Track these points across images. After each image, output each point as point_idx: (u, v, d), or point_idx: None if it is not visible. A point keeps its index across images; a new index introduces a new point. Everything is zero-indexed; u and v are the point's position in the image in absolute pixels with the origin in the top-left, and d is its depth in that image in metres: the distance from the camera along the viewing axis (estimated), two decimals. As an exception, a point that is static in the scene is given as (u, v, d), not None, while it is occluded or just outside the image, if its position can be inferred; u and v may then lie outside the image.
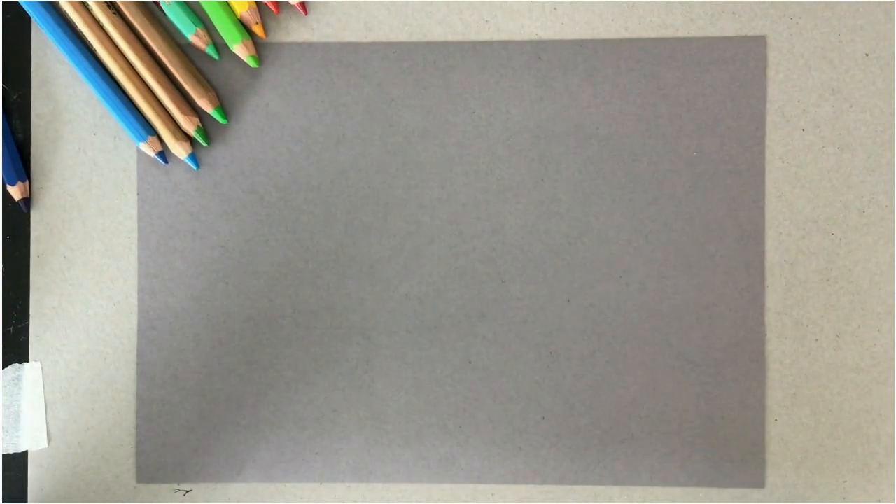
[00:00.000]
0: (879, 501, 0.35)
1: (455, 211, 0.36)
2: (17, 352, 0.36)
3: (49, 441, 0.36)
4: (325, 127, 0.36)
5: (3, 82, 0.36)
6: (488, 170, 0.36)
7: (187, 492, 0.36)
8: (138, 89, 0.35)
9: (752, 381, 0.35)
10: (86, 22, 0.35)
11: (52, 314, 0.36)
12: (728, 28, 0.35)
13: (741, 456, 0.35)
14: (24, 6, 0.35)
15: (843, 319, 0.35)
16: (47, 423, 0.36)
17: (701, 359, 0.35)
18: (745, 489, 0.35)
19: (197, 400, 0.36)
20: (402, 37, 0.36)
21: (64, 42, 0.35)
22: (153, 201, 0.36)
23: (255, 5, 0.35)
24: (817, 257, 0.35)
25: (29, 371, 0.36)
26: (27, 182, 0.36)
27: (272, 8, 0.35)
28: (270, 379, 0.36)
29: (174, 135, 0.35)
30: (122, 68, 0.35)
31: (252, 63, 0.35)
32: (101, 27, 0.35)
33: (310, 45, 0.36)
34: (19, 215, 0.36)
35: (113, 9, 0.35)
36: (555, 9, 0.35)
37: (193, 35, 0.35)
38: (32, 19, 0.36)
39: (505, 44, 0.35)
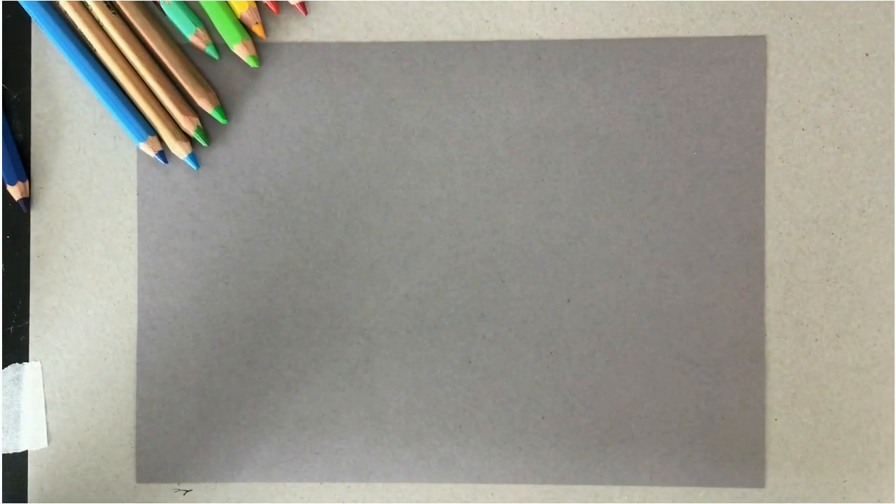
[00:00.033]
0: (879, 501, 0.35)
1: (455, 211, 0.36)
2: (17, 352, 0.36)
3: (49, 441, 0.36)
4: (325, 127, 0.36)
5: (3, 82, 0.36)
6: (488, 170, 0.36)
7: (187, 491, 0.36)
8: (138, 89, 0.35)
9: (752, 381, 0.35)
10: (86, 22, 0.35)
11: (52, 314, 0.36)
12: (728, 28, 0.35)
13: (741, 456, 0.35)
14: (24, 6, 0.35)
15: (843, 319, 0.35)
16: (47, 423, 0.36)
17: (701, 359, 0.35)
18: (745, 489, 0.35)
19: (197, 400, 0.36)
20: (402, 37, 0.36)
21: (64, 42, 0.35)
22: (153, 201, 0.36)
23: (255, 5, 0.35)
24: (817, 257, 0.35)
25: (29, 371, 0.36)
26: (27, 182, 0.36)
27: (272, 8, 0.35)
28: (270, 379, 0.36)
29: (174, 135, 0.35)
30: (122, 68, 0.35)
31: (252, 63, 0.35)
32: (101, 27, 0.35)
33: (310, 45, 0.36)
34: (19, 215, 0.36)
35: (113, 9, 0.35)
36: (555, 9, 0.35)
37: (193, 35, 0.35)
38: (32, 19, 0.36)
39: (505, 44, 0.35)
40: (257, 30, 0.35)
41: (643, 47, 0.35)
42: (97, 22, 0.35)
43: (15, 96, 0.36)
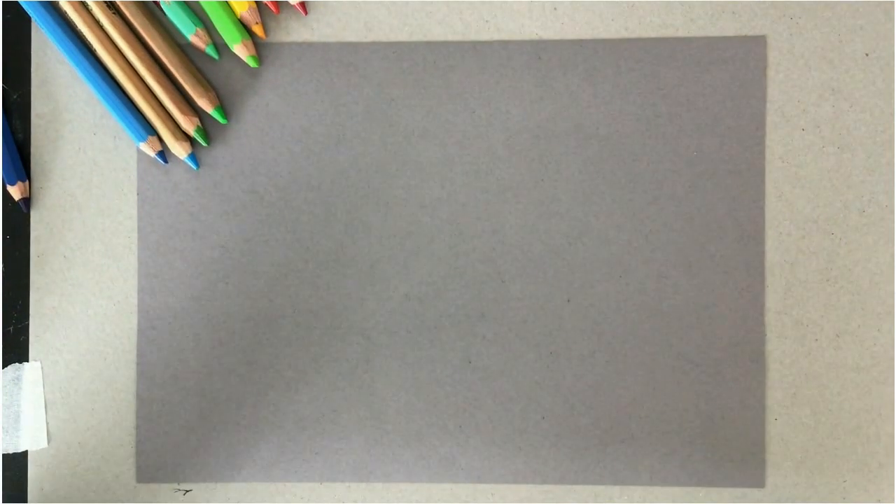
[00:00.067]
0: (879, 501, 0.35)
1: (455, 211, 0.36)
2: (17, 352, 0.36)
3: (49, 441, 0.36)
4: (325, 127, 0.36)
5: (3, 82, 0.36)
6: (488, 170, 0.36)
7: (187, 491, 0.36)
8: (138, 89, 0.35)
9: (752, 381, 0.35)
10: (86, 22, 0.35)
11: (52, 314, 0.36)
12: (728, 28, 0.35)
13: (741, 456, 0.35)
14: (24, 6, 0.35)
15: (843, 319, 0.35)
16: (47, 423, 0.36)
17: (701, 359, 0.35)
18: (745, 489, 0.35)
19: (197, 400, 0.36)
20: (402, 37, 0.36)
21: (64, 42, 0.35)
22: (153, 201, 0.36)
23: (255, 5, 0.35)
24: (817, 257, 0.35)
25: (29, 371, 0.36)
26: (27, 182, 0.36)
27: (272, 8, 0.35)
28: (270, 379, 0.36)
29: (174, 135, 0.35)
30: (122, 68, 0.35)
31: (252, 63, 0.35)
32: (101, 27, 0.35)
33: (310, 45, 0.36)
34: (19, 215, 0.36)
35: (113, 9, 0.35)
36: (555, 9, 0.35)
37: (193, 35, 0.35)
38: (32, 19, 0.36)
39: (505, 44, 0.35)
40: (257, 30, 0.35)
41: (643, 47, 0.35)
42: (97, 22, 0.35)
43: (15, 96, 0.36)
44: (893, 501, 0.35)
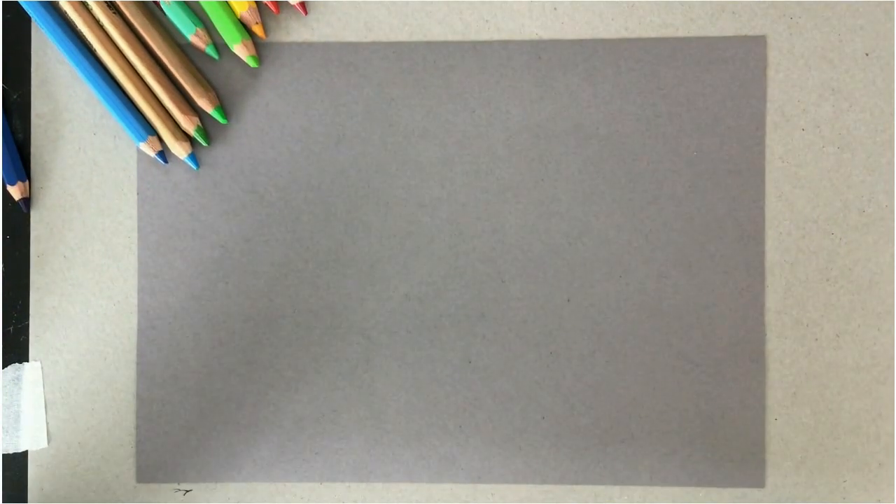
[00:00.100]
0: (879, 501, 0.35)
1: (455, 211, 0.36)
2: (17, 352, 0.36)
3: (49, 441, 0.36)
4: (325, 127, 0.36)
5: (3, 82, 0.36)
6: (488, 170, 0.36)
7: (187, 491, 0.36)
8: (138, 89, 0.35)
9: (752, 381, 0.35)
10: (86, 22, 0.35)
11: (52, 314, 0.36)
12: (728, 28, 0.35)
13: (741, 456, 0.35)
14: (24, 6, 0.35)
15: (843, 319, 0.35)
16: (47, 423, 0.36)
17: (701, 359, 0.35)
18: (745, 489, 0.35)
19: (197, 400, 0.36)
20: (402, 37, 0.36)
21: (64, 42, 0.35)
22: (153, 201, 0.36)
23: (255, 5, 0.35)
24: (817, 257, 0.35)
25: (29, 371, 0.36)
26: (27, 182, 0.36)
27: (272, 8, 0.35)
28: (270, 379, 0.36)
29: (174, 135, 0.35)
30: (122, 68, 0.35)
31: (252, 63, 0.35)
32: (101, 27, 0.35)
33: (310, 45, 0.36)
34: (19, 215, 0.36)
35: (113, 9, 0.35)
36: (555, 9, 0.35)
37: (193, 35, 0.35)
38: (32, 19, 0.36)
39: (505, 44, 0.35)
40: (257, 30, 0.35)
41: (643, 47, 0.35)
42: (97, 22, 0.35)
43: (15, 96, 0.36)
44: (893, 501, 0.35)
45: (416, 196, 0.36)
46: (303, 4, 0.35)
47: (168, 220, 0.36)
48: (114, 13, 0.35)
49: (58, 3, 0.35)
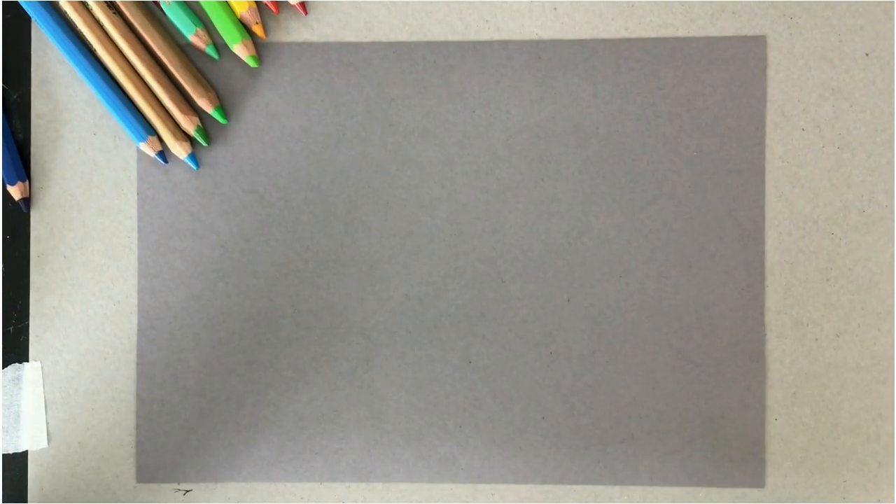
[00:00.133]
0: (879, 501, 0.35)
1: (455, 211, 0.36)
2: (17, 352, 0.36)
3: (49, 441, 0.36)
4: (325, 127, 0.36)
5: (3, 82, 0.36)
6: (488, 170, 0.36)
7: (187, 491, 0.36)
8: (138, 89, 0.35)
9: (752, 381, 0.35)
10: (86, 22, 0.35)
11: (52, 314, 0.36)
12: (728, 28, 0.35)
13: (741, 456, 0.35)
14: (24, 6, 0.35)
15: (843, 319, 0.35)
16: (47, 423, 0.36)
17: (701, 359, 0.35)
18: (745, 489, 0.35)
19: (197, 400, 0.36)
20: (402, 37, 0.36)
21: (64, 42, 0.35)
22: (153, 201, 0.36)
23: (255, 5, 0.35)
24: (817, 257, 0.35)
25: (29, 371, 0.36)
26: (27, 182, 0.36)
27: (272, 8, 0.35)
28: (270, 379, 0.36)
29: (174, 135, 0.35)
30: (122, 68, 0.35)
31: (252, 63, 0.35)
32: (101, 27, 0.35)
33: (310, 45, 0.36)
34: (19, 215, 0.36)
35: (113, 9, 0.35)
36: (555, 9, 0.35)
37: (193, 35, 0.35)
38: (32, 19, 0.36)
39: (505, 44, 0.35)
40: (257, 30, 0.35)
41: (643, 47, 0.35)
42: (97, 22, 0.35)
43: (15, 96, 0.36)
44: (893, 501, 0.35)
45: (416, 196, 0.36)
46: (303, 4, 0.35)
47: (168, 220, 0.36)
48: (114, 13, 0.35)
49: (58, 3, 0.35)
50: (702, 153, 0.35)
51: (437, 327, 0.36)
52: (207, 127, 0.36)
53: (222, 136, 0.36)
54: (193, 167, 0.36)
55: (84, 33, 0.35)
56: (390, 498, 0.36)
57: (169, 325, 0.36)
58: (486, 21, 0.36)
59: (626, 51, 0.35)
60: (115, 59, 0.35)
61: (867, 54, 0.35)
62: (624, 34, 0.35)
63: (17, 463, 0.36)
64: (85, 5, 0.35)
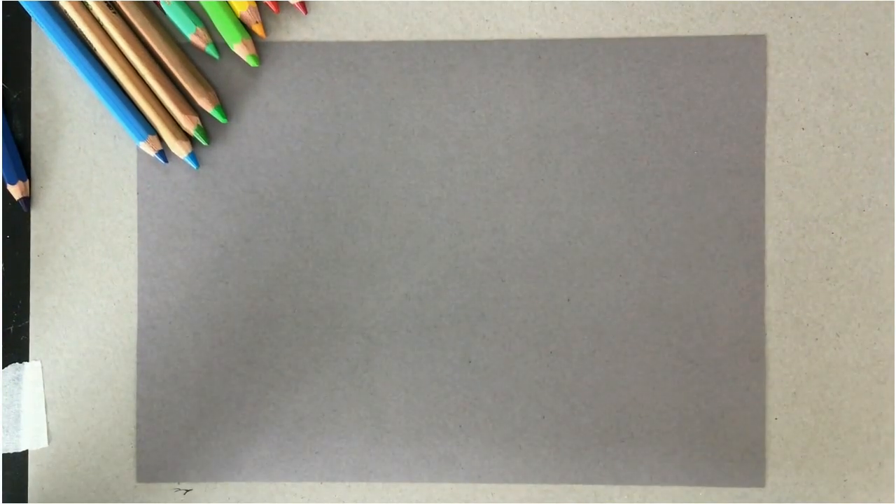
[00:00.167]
0: (879, 501, 0.35)
1: (455, 210, 0.36)
2: (17, 351, 0.36)
3: (49, 441, 0.36)
4: (325, 127, 0.36)
5: (3, 82, 0.36)
6: (488, 169, 0.36)
7: (187, 491, 0.36)
8: (138, 89, 0.35)
9: (752, 381, 0.35)
10: (86, 22, 0.35)
11: (52, 314, 0.36)
12: (728, 27, 0.35)
13: (741, 455, 0.35)
14: (24, 6, 0.35)
15: (843, 319, 0.35)
16: (47, 423, 0.36)
17: (701, 359, 0.35)
18: (745, 489, 0.35)
19: (197, 399, 0.36)
20: (402, 36, 0.36)
21: (64, 42, 0.35)
22: (153, 201, 0.36)
23: (255, 5, 0.35)
24: (817, 257, 0.35)
25: (29, 370, 0.36)
26: (27, 181, 0.36)
27: (272, 7, 0.35)
28: (270, 378, 0.36)
29: (174, 134, 0.35)
30: (122, 68, 0.35)
31: (252, 62, 0.35)
32: (101, 27, 0.35)
33: (310, 45, 0.36)
34: (19, 215, 0.36)
35: (113, 8, 0.35)
36: (555, 8, 0.35)
37: (193, 35, 0.35)
38: (32, 19, 0.36)
39: (505, 43, 0.35)
40: (257, 29, 0.35)
41: (643, 47, 0.35)
42: (97, 22, 0.35)
43: (15, 96, 0.36)
44: (893, 501, 0.35)
45: (416, 196, 0.36)
46: (303, 4, 0.35)
47: (168, 220, 0.36)
48: (114, 13, 0.35)
49: (58, 3, 0.35)
50: (702, 153, 0.35)
51: (437, 327, 0.36)
52: (207, 126, 0.36)
53: (222, 136, 0.36)
54: (193, 167, 0.36)
55: (84, 33, 0.35)
56: (390, 498, 0.36)
57: (169, 325, 0.36)
58: (486, 21, 0.36)
59: (626, 50, 0.35)
60: (115, 59, 0.35)
61: (867, 54, 0.35)
62: (624, 34, 0.35)
63: (18, 462, 0.36)
64: (85, 5, 0.35)
